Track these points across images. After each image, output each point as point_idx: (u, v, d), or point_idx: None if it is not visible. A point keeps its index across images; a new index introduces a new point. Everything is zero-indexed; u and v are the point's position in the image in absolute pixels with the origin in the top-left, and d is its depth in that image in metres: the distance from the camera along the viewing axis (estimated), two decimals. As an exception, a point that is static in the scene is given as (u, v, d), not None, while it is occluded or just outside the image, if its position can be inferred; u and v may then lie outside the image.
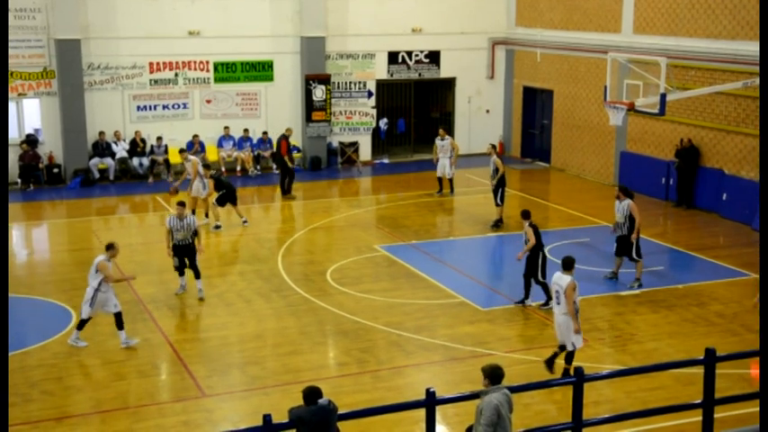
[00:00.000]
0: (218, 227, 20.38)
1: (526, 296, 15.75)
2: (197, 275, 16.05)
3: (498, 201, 20.60)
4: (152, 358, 13.58)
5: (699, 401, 10.40)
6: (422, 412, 9.32)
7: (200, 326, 14.81)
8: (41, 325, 14.92)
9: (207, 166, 21.69)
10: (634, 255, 16.68)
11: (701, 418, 10.26)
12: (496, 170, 20.48)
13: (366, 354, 13.73)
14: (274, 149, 25.66)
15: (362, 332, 14.57)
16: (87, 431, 11.41)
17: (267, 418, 8.44)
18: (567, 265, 12.59)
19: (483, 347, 13.93)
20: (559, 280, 12.54)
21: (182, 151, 22.20)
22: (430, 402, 9.07)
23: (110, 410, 11.88)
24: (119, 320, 13.84)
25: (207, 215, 20.97)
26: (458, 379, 12.77)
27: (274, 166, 26.14)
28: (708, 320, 15.06)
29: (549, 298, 15.57)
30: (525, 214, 15.96)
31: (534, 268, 15.53)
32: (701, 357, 10.29)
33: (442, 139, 23.55)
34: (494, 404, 8.57)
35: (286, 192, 23.87)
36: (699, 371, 10.74)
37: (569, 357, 12.60)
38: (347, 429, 9.31)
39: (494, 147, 21.18)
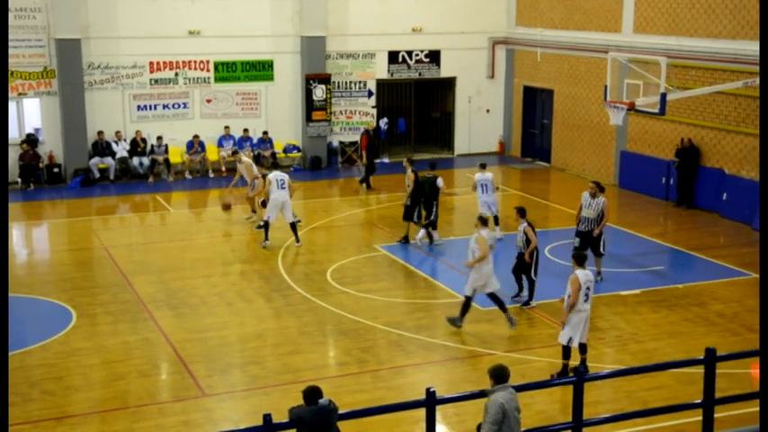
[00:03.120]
0: (260, 227, 19.84)
1: (520, 289, 15.77)
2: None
3: (415, 218, 19.34)
4: (152, 358, 13.58)
5: (699, 401, 10.41)
6: (422, 412, 9.32)
7: (200, 325, 14.80)
8: (41, 325, 14.93)
9: (259, 162, 21.87)
10: (602, 249, 16.73)
11: (701, 418, 10.26)
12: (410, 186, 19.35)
13: (366, 353, 13.73)
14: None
15: (363, 332, 14.57)
16: (87, 431, 11.41)
17: (267, 417, 8.44)
18: (583, 260, 12.73)
19: (483, 347, 13.93)
20: (590, 276, 12.65)
21: (235, 153, 22.31)
22: (430, 402, 9.07)
23: (110, 410, 11.88)
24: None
25: (254, 211, 21.10)
26: (458, 379, 12.77)
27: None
28: (708, 320, 15.06)
29: (531, 297, 15.59)
30: (522, 212, 15.70)
31: (529, 266, 15.47)
32: (702, 357, 10.29)
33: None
34: (498, 402, 8.60)
35: (368, 186, 24.74)
36: (699, 371, 10.74)
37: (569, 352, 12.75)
38: (347, 429, 9.30)
39: (410, 161, 20.01)
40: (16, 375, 12.59)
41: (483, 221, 14.56)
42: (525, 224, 15.46)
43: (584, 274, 12.52)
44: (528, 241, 15.37)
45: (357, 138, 28.34)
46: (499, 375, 8.76)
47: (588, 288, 12.53)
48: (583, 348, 12.75)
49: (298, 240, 19.24)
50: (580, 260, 12.68)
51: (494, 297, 14.45)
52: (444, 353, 13.76)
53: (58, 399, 12.21)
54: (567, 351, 12.67)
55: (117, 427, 11.47)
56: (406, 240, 19.37)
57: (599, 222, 16.52)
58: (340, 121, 28.19)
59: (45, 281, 17.30)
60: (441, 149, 30.21)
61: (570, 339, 12.56)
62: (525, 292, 15.72)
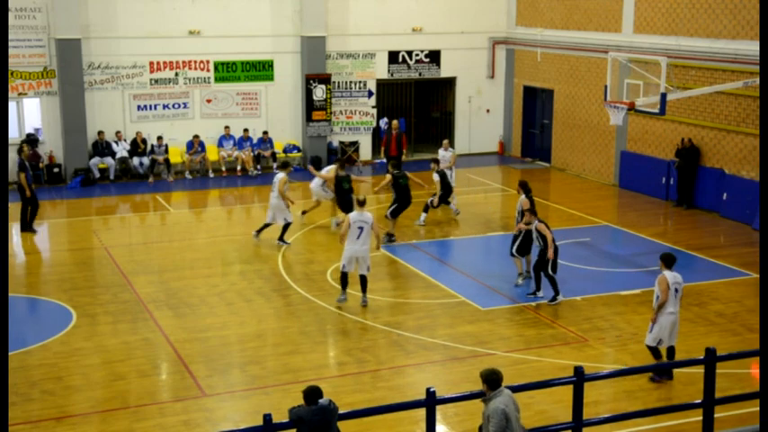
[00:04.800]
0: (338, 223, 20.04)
1: (537, 288, 15.80)
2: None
3: (389, 214, 19.78)
4: (152, 358, 13.58)
5: (699, 401, 10.41)
6: (422, 412, 9.33)
7: (200, 325, 14.80)
8: (41, 325, 14.94)
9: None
10: (512, 249, 16.63)
11: (701, 418, 10.27)
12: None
13: (366, 353, 13.73)
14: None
15: (362, 332, 14.58)
16: (87, 431, 11.41)
17: (267, 417, 8.45)
18: (671, 261, 12.63)
19: (483, 347, 13.93)
20: (679, 278, 12.55)
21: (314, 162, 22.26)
22: (430, 402, 9.08)
23: (110, 410, 11.88)
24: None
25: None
26: (458, 379, 12.77)
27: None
28: (708, 320, 15.06)
29: (557, 293, 15.62)
30: (532, 212, 15.93)
31: (546, 262, 15.49)
32: (702, 357, 10.29)
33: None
34: (500, 409, 8.53)
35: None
36: (699, 371, 10.74)
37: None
38: (347, 429, 9.31)
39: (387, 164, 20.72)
40: (16, 375, 12.60)
41: (359, 202, 15.62)
42: (537, 222, 15.59)
43: (672, 276, 12.47)
44: (544, 239, 15.43)
45: (357, 138, 28.38)
46: (494, 380, 8.68)
47: (677, 290, 12.47)
48: (671, 352, 12.69)
49: (256, 236, 19.49)
50: (668, 261, 12.60)
51: (362, 279, 15.56)
52: (444, 353, 13.75)
53: (58, 399, 12.21)
54: (656, 352, 12.66)
55: (117, 427, 11.47)
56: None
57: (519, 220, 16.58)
58: (340, 121, 28.18)
59: (45, 281, 17.30)
60: (441, 149, 30.20)
61: (660, 341, 12.53)
62: (542, 292, 15.76)
